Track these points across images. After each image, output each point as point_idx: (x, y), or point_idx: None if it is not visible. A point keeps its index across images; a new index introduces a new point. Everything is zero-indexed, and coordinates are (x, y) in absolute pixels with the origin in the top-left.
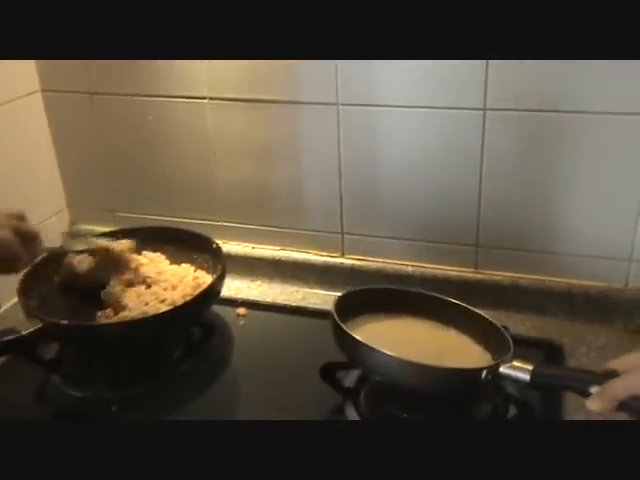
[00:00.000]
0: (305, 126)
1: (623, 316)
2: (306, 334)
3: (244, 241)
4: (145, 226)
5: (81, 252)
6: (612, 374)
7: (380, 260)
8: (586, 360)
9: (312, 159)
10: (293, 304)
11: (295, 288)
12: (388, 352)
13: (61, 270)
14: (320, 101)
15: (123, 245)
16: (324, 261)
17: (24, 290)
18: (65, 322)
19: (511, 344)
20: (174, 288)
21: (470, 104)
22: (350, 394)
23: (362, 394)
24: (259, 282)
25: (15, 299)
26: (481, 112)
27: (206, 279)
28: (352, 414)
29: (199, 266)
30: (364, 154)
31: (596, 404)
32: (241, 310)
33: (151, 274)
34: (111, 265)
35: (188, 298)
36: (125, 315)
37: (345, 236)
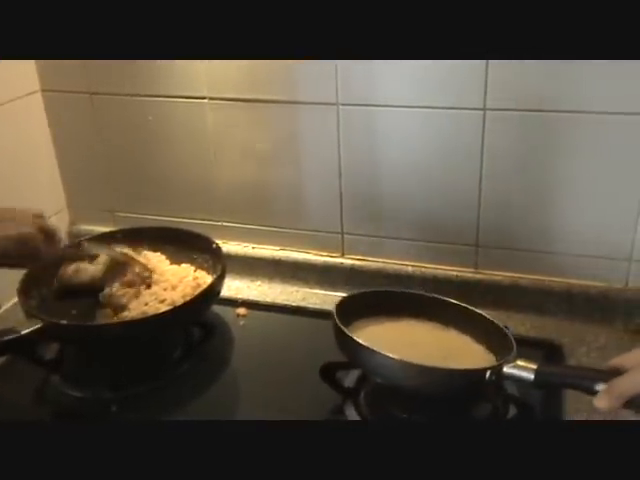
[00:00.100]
0: (305, 126)
1: (623, 316)
2: (306, 334)
3: (244, 241)
4: (145, 226)
5: (92, 258)
6: (616, 371)
7: (380, 260)
8: (586, 360)
9: (312, 159)
10: (293, 304)
11: (295, 288)
12: (391, 355)
13: (55, 280)
14: (320, 101)
15: (150, 258)
16: (324, 261)
17: (24, 290)
18: (65, 322)
19: (514, 344)
20: (174, 288)
21: (470, 104)
22: (350, 394)
23: (362, 394)
24: (259, 282)
25: (15, 299)
26: (481, 112)
27: (206, 279)
28: (352, 414)
29: (199, 266)
30: (364, 154)
31: (603, 402)
32: (241, 310)
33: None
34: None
35: (188, 298)
36: (125, 315)
37: (345, 236)
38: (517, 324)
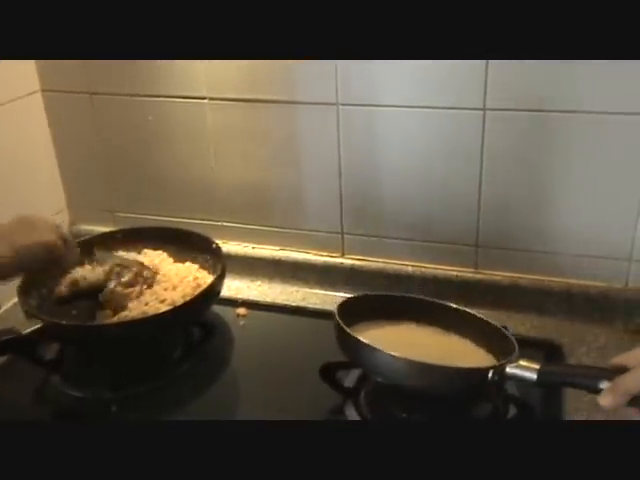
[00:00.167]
0: (305, 126)
1: (623, 316)
2: (306, 334)
3: (244, 241)
4: (145, 226)
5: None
6: (619, 370)
7: (380, 260)
8: (586, 360)
9: (312, 159)
10: (293, 304)
11: (295, 288)
12: (394, 353)
13: (62, 287)
14: (320, 101)
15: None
16: (324, 261)
17: (24, 290)
18: (65, 322)
19: (515, 344)
20: (174, 288)
21: (470, 104)
22: (350, 394)
23: (362, 394)
24: (259, 282)
25: (15, 299)
26: (481, 112)
27: (206, 279)
28: (352, 414)
29: (199, 266)
30: (364, 154)
31: (608, 399)
32: (241, 310)
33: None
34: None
35: (188, 298)
36: (125, 315)
37: (345, 236)
38: (517, 324)
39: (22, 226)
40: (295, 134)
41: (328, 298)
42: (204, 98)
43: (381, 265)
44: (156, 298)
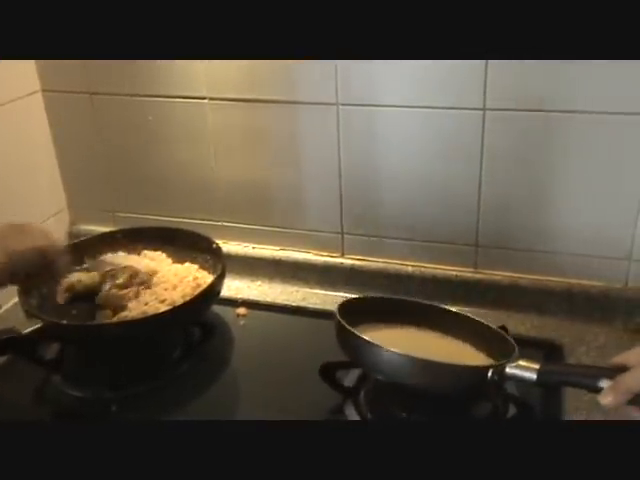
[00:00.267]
0: (305, 126)
1: (623, 315)
2: (306, 334)
3: (244, 241)
4: (145, 226)
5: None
6: (620, 369)
7: (380, 260)
8: (586, 359)
9: (312, 159)
10: (293, 304)
11: (295, 288)
12: (395, 350)
13: (60, 294)
14: (320, 101)
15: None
16: (324, 261)
17: (24, 290)
18: (65, 322)
19: (515, 345)
20: (174, 288)
21: (469, 104)
22: (350, 393)
23: (362, 393)
24: (259, 282)
25: (15, 299)
26: (480, 112)
27: (206, 279)
28: (352, 413)
29: (199, 266)
30: (364, 154)
31: (609, 398)
32: (241, 310)
33: (152, 274)
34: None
35: (188, 298)
36: (125, 315)
37: (345, 236)
38: (517, 324)
39: (14, 231)
40: (295, 134)
41: (328, 298)
42: (204, 98)
43: (381, 265)
44: (156, 298)
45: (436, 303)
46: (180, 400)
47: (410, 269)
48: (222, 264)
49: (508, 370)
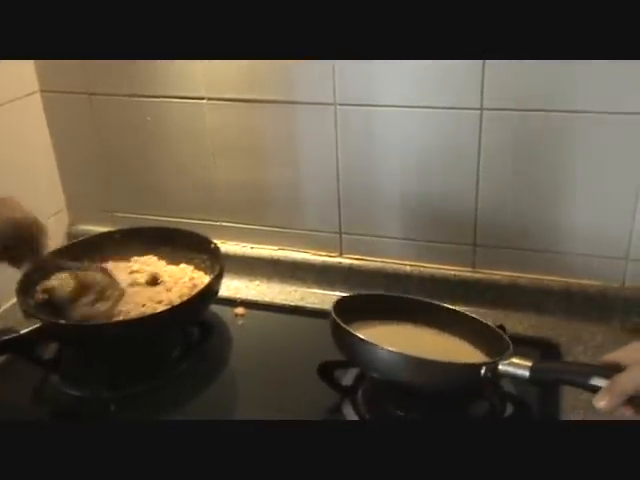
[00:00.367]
0: (303, 126)
1: (620, 315)
2: (304, 334)
3: (243, 241)
4: (143, 226)
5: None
6: (613, 367)
7: (378, 260)
8: (583, 359)
9: (310, 159)
10: (291, 304)
11: (293, 288)
12: (389, 348)
13: (39, 294)
14: (317, 101)
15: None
16: (322, 261)
17: (23, 290)
18: (63, 322)
19: (509, 342)
20: (170, 290)
21: (467, 104)
22: (348, 392)
23: (360, 392)
24: (258, 282)
25: (14, 299)
26: (478, 112)
27: (203, 279)
28: (350, 413)
29: (197, 266)
30: (361, 153)
31: (604, 401)
32: (239, 310)
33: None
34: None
35: (185, 298)
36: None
37: (343, 236)
38: (515, 323)
39: None
40: (293, 134)
41: (326, 298)
42: (202, 98)
43: (379, 265)
44: (153, 299)
45: (433, 300)
46: (179, 400)
47: (408, 269)
48: (220, 264)
49: (501, 367)
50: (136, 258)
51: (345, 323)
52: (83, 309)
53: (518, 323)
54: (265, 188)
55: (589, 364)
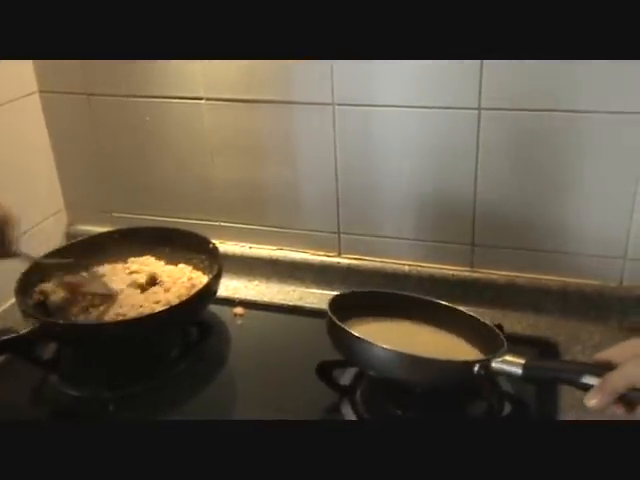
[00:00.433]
0: (301, 126)
1: (618, 314)
2: (303, 333)
3: (241, 241)
4: (141, 226)
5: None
6: (604, 365)
7: (377, 259)
8: (581, 358)
9: (308, 159)
10: (290, 304)
11: (292, 288)
12: (383, 345)
13: (35, 296)
14: (316, 101)
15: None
16: (321, 261)
17: (21, 290)
18: (62, 321)
19: (504, 340)
20: (168, 290)
21: (465, 104)
22: (346, 392)
23: (358, 392)
24: (256, 282)
25: (13, 299)
26: (475, 112)
27: (202, 279)
28: (348, 412)
29: (195, 266)
30: (359, 153)
31: (595, 400)
32: (238, 310)
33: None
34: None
35: (184, 298)
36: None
37: (342, 236)
38: (513, 322)
39: None
40: (291, 134)
41: (325, 297)
42: (201, 98)
43: (378, 264)
44: (151, 299)
45: (430, 297)
46: (177, 400)
47: (407, 268)
48: (219, 264)
49: (494, 365)
50: (134, 258)
51: (342, 320)
52: (76, 316)
53: (516, 322)
54: (264, 188)
55: (581, 362)
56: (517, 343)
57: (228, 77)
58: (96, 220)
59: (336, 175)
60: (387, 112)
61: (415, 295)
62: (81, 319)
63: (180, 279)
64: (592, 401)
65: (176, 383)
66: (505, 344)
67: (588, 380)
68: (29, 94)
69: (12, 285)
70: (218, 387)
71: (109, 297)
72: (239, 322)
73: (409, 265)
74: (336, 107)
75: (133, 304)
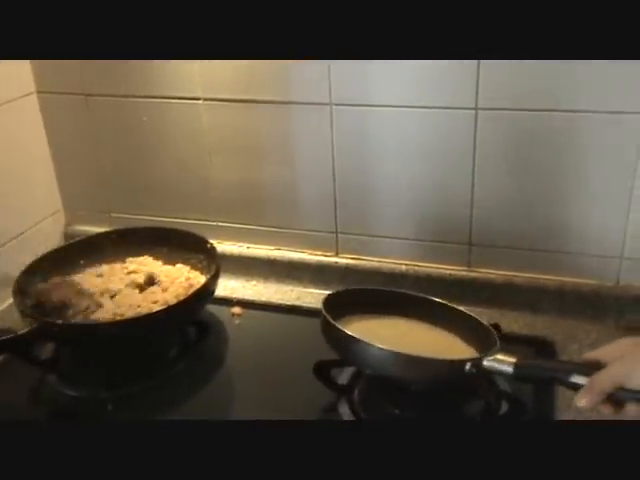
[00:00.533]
0: (299, 126)
1: (614, 313)
2: (301, 333)
3: (239, 241)
4: (139, 226)
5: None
6: (593, 365)
7: (374, 259)
8: (578, 357)
9: (306, 159)
10: (288, 303)
11: (290, 287)
12: (374, 343)
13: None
14: (313, 101)
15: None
16: (318, 260)
17: (20, 290)
18: (60, 322)
19: (497, 338)
20: (166, 290)
21: (462, 104)
22: (344, 391)
23: (356, 391)
24: (254, 282)
25: (10, 300)
26: (473, 111)
27: (199, 279)
28: (346, 412)
29: (193, 266)
30: (357, 153)
31: (585, 400)
32: (236, 309)
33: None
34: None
35: (181, 298)
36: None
37: (339, 235)
38: (510, 322)
39: None
40: (289, 134)
41: (322, 297)
42: (199, 99)
43: (375, 264)
44: (149, 299)
45: (425, 295)
46: (175, 399)
47: (404, 268)
48: (216, 264)
49: (486, 363)
50: (132, 258)
51: (337, 318)
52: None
53: (513, 322)
54: (261, 188)
55: (571, 362)
56: (514, 342)
57: (226, 77)
58: (94, 220)
59: (334, 175)
60: (384, 112)
61: (410, 292)
62: (79, 319)
63: (178, 279)
64: (582, 401)
65: (174, 383)
66: (497, 342)
67: (577, 379)
68: (27, 94)
69: (10, 285)
70: (216, 387)
71: (88, 303)
72: (237, 322)
73: (406, 265)
74: (334, 107)
75: (131, 304)
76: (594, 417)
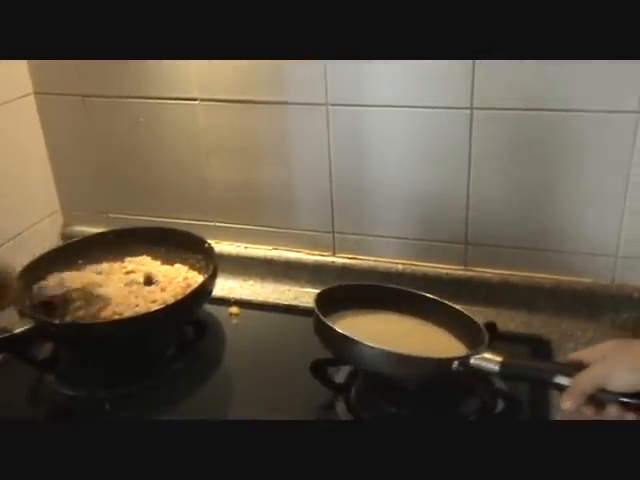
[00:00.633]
0: (295, 126)
1: (610, 312)
2: (298, 332)
3: (237, 241)
4: (137, 227)
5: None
6: (577, 365)
7: (371, 259)
8: None
9: (302, 159)
10: (285, 303)
11: (287, 287)
12: (362, 340)
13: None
14: (309, 101)
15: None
16: (315, 260)
17: (17, 290)
18: (57, 321)
19: (486, 337)
20: (164, 289)
21: (457, 103)
22: (341, 390)
23: (353, 390)
24: (252, 281)
25: None
26: (468, 111)
27: (197, 279)
28: (343, 410)
29: (191, 266)
30: (353, 153)
31: (568, 402)
32: (234, 309)
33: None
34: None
35: (179, 297)
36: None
37: (336, 235)
38: (507, 320)
39: None
40: (286, 134)
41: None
42: (195, 99)
43: (372, 263)
44: (147, 299)
45: (418, 291)
46: (173, 399)
47: (401, 267)
48: (214, 264)
49: (473, 361)
50: (131, 258)
51: (330, 313)
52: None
53: (510, 320)
54: (258, 188)
55: (556, 362)
56: (511, 341)
57: (222, 78)
58: (92, 221)
59: (330, 175)
60: (380, 112)
61: (403, 288)
62: (77, 319)
63: (176, 279)
64: (566, 403)
65: (172, 382)
66: (486, 340)
67: (560, 380)
68: (24, 95)
69: None
70: (214, 386)
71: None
72: (234, 321)
73: (403, 264)
74: (330, 107)
75: (129, 303)
76: (577, 418)
